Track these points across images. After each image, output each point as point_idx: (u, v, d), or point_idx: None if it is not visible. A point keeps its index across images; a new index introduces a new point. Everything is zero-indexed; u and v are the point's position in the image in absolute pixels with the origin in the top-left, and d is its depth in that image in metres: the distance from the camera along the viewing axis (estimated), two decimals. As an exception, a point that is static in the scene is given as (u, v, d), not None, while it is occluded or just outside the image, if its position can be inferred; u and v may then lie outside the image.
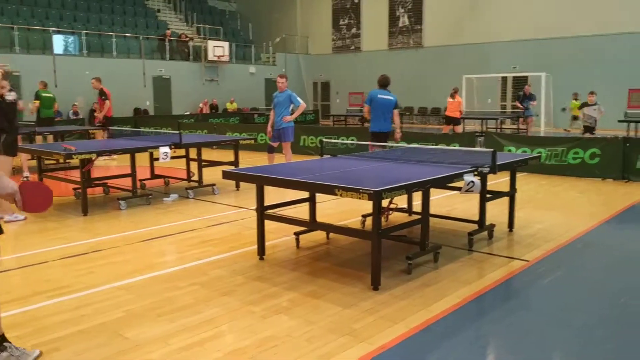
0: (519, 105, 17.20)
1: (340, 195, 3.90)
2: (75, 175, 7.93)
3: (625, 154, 9.00)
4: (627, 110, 18.65)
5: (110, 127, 12.48)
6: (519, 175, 7.15)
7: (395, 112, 8.08)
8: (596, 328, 3.51)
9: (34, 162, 9.71)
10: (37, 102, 12.76)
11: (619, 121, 15.52)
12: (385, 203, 4.31)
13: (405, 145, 8.71)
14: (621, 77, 19.61)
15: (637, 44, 19.30)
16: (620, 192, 8.11)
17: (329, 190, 3.98)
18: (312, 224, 5.07)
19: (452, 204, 7.10)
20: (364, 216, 6.04)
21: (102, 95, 12.11)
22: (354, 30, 27.82)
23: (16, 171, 10.76)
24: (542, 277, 4.41)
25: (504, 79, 22.95)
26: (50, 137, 12.42)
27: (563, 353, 3.17)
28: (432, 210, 4.80)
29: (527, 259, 4.86)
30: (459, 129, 13.51)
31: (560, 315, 3.66)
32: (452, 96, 13.76)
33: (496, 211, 6.17)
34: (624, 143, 9.09)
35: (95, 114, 12.26)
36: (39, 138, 12.36)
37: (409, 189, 4.12)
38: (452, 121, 13.81)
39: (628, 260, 4.98)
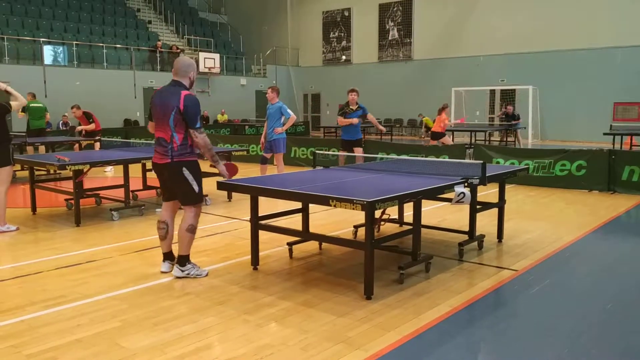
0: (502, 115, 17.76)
1: (335, 205, 3.98)
2: (67, 186, 7.94)
3: (611, 166, 9.18)
4: (612, 123, 18.98)
5: (101, 138, 12.53)
6: (507, 187, 7.28)
7: (369, 115, 9.74)
8: (584, 334, 3.60)
9: (25, 173, 9.70)
10: (22, 114, 12.68)
11: (605, 134, 15.78)
12: (377, 214, 4.40)
13: (396, 157, 8.84)
14: (607, 90, 19.99)
15: (623, 58, 19.69)
16: (606, 203, 8.27)
17: (324, 200, 4.06)
18: (305, 234, 5.13)
19: (443, 215, 7.20)
20: (356, 227, 6.11)
21: (89, 118, 12.11)
22: (344, 42, 28.08)
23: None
24: (530, 286, 4.51)
25: (492, 91, 23.27)
26: (42, 148, 12.42)
27: (552, 357, 3.25)
28: (423, 221, 4.88)
29: (516, 269, 4.95)
30: (448, 140, 13.64)
31: (548, 322, 3.75)
32: (439, 112, 14.00)
33: (486, 222, 6.28)
34: (610, 155, 9.26)
35: (82, 128, 12.26)
36: (30, 149, 12.33)
37: (401, 200, 4.20)
38: (436, 136, 14.01)
39: (613, 268, 5.10)
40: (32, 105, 12.73)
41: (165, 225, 4.72)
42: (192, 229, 4.58)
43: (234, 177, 4.92)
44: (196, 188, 4.53)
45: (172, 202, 4.78)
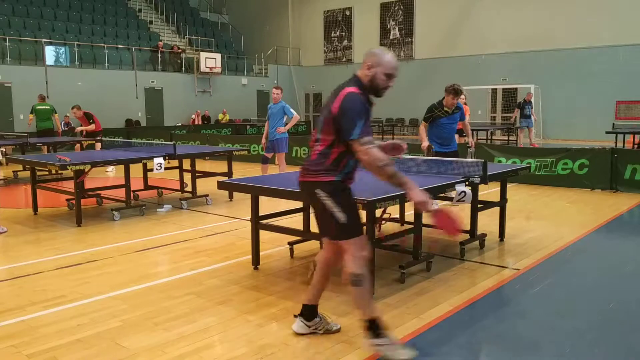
0: (516, 114, 17.17)
1: (335, 204, 3.95)
2: (68, 186, 7.95)
3: (613, 165, 9.15)
4: (614, 121, 18.93)
5: (103, 138, 12.56)
6: (509, 186, 7.25)
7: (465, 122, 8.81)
8: (586, 332, 3.58)
9: (27, 173, 9.72)
10: (31, 116, 13.07)
11: (607, 132, 15.72)
12: (378, 213, 4.38)
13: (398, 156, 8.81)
14: (609, 88, 19.93)
15: (625, 56, 19.64)
16: (609, 202, 8.24)
17: (324, 200, 4.03)
18: (306, 234, 5.12)
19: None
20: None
21: (90, 119, 12.15)
22: (345, 42, 28.06)
23: (10, 181, 10.75)
24: (532, 285, 4.49)
25: (494, 90, 23.23)
26: (44, 148, 12.54)
27: (554, 356, 3.23)
28: (424, 220, 4.87)
29: (517, 268, 4.94)
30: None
31: (550, 320, 3.73)
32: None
33: (487, 221, 6.26)
34: (612, 154, 9.23)
35: (82, 129, 12.34)
36: (44, 148, 12.58)
37: (402, 199, 4.19)
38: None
39: (616, 267, 5.08)
40: (39, 107, 13.17)
41: (313, 267, 3.53)
42: (357, 281, 3.11)
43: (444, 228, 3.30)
44: (341, 217, 3.11)
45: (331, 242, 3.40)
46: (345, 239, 3.12)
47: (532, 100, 17.16)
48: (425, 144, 7.06)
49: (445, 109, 7.04)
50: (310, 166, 3.20)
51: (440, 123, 7.07)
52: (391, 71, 3.23)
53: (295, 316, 3.47)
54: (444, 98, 7.02)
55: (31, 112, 13.23)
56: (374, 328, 3.15)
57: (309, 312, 3.45)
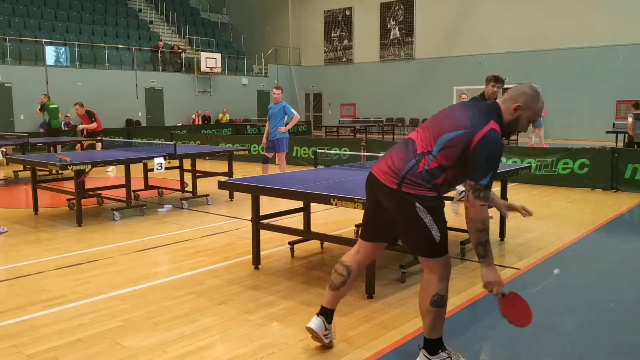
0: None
1: (336, 204, 3.97)
2: (69, 186, 7.95)
3: (614, 165, 9.15)
4: (615, 121, 18.94)
5: (103, 138, 12.57)
6: (510, 185, 7.26)
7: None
8: (587, 332, 3.58)
9: (28, 173, 9.73)
10: (44, 114, 13.46)
11: (607, 132, 15.74)
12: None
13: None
14: (609, 88, 19.94)
15: (626, 56, 19.64)
16: (609, 201, 8.24)
17: (325, 199, 4.05)
18: (306, 234, 5.12)
19: (444, 213, 7.17)
20: (357, 226, 6.10)
21: (91, 117, 12.16)
22: (345, 42, 28.07)
23: (10, 182, 10.75)
24: (533, 284, 4.49)
25: (494, 90, 23.20)
26: (50, 148, 12.65)
27: (555, 356, 3.23)
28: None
29: (518, 267, 4.93)
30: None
31: (551, 320, 3.73)
32: None
33: (488, 220, 6.25)
34: (613, 154, 9.24)
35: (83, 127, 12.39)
36: (60, 147, 12.79)
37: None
38: None
39: (616, 266, 5.08)
40: (52, 106, 13.40)
41: (347, 273, 3.19)
42: (439, 301, 2.91)
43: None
44: (436, 235, 2.89)
45: (373, 245, 3.21)
46: (436, 257, 2.90)
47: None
48: None
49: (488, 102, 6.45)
50: (412, 177, 2.82)
51: None
52: (535, 118, 2.91)
53: (317, 315, 3.27)
54: (483, 92, 6.39)
55: (43, 110, 13.40)
56: (436, 347, 2.97)
57: (330, 315, 3.28)
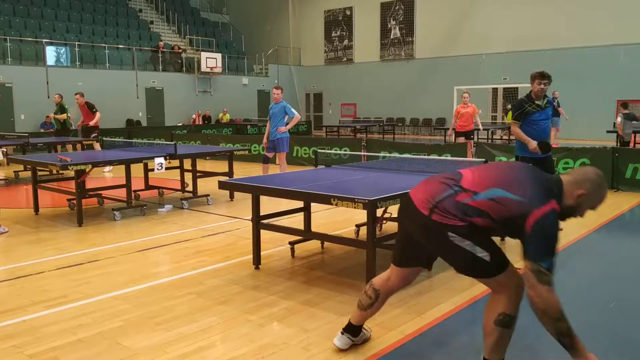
0: (562, 112, 15.40)
1: (336, 204, 3.97)
2: (69, 186, 7.96)
3: (614, 164, 9.15)
4: (615, 121, 18.90)
5: (103, 138, 12.56)
6: (510, 185, 7.24)
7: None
8: (586, 332, 3.57)
9: (28, 173, 9.73)
10: (63, 116, 13.38)
11: (608, 132, 15.72)
12: (379, 212, 4.38)
13: (398, 155, 8.83)
14: (610, 88, 19.93)
15: (626, 56, 19.63)
16: (610, 201, 8.20)
17: (325, 199, 4.05)
18: (307, 234, 5.12)
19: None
20: (358, 226, 6.10)
21: (92, 108, 12.13)
22: (346, 42, 28.07)
23: (11, 182, 10.76)
24: (533, 285, 4.48)
25: (495, 90, 23.22)
26: (59, 146, 12.70)
27: (554, 357, 3.23)
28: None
29: (519, 267, 4.92)
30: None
31: (551, 321, 3.73)
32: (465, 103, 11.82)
33: (488, 220, 6.25)
34: (613, 153, 9.24)
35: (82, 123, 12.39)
36: (73, 147, 12.79)
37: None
38: (466, 135, 11.78)
39: (617, 266, 5.08)
40: (65, 107, 13.43)
41: (375, 296, 3.11)
42: (506, 321, 2.79)
43: None
44: (483, 256, 2.67)
45: (407, 270, 3.04)
46: (495, 275, 2.73)
47: (558, 97, 15.86)
48: (533, 143, 5.84)
49: (537, 102, 5.94)
50: (446, 204, 2.65)
51: (532, 120, 5.89)
52: (597, 206, 2.79)
53: (342, 333, 3.24)
54: (530, 92, 6.01)
55: (60, 110, 13.25)
56: None
57: (357, 330, 3.26)
